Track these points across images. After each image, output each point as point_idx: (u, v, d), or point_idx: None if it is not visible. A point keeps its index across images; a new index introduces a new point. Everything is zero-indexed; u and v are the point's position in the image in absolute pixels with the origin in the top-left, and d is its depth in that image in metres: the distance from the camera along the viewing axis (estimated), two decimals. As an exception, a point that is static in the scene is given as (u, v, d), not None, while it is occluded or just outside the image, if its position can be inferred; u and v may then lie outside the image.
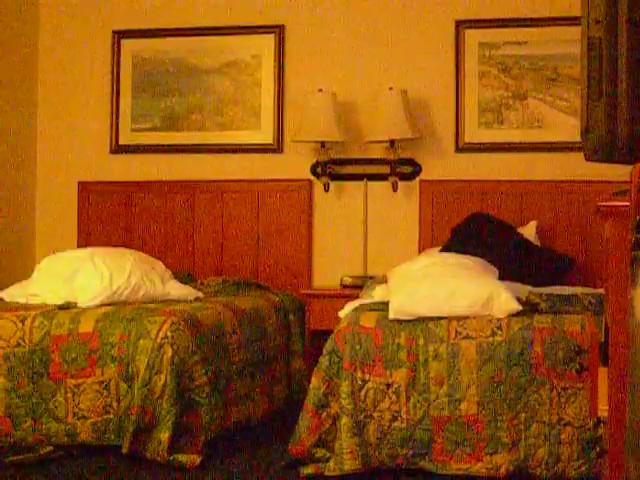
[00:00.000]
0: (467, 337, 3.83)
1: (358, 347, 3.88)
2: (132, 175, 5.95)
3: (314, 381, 3.94)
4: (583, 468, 3.66)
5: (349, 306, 4.31)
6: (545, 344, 3.76)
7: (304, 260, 5.67)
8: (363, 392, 3.84)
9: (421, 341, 3.85)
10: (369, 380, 3.84)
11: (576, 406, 3.69)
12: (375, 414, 3.83)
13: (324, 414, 3.90)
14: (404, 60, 5.64)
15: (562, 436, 3.68)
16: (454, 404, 3.78)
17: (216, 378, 4.28)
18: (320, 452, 3.90)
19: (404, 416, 3.81)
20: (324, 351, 3.96)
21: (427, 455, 3.78)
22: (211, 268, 5.74)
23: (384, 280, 4.54)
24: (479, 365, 3.78)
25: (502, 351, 3.78)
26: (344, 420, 3.80)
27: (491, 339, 3.80)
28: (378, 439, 3.81)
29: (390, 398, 3.83)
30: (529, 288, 4.47)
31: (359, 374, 3.85)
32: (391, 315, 3.92)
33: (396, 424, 3.81)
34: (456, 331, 3.85)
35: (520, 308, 3.94)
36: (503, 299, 3.94)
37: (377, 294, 4.42)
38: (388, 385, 3.84)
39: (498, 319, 3.90)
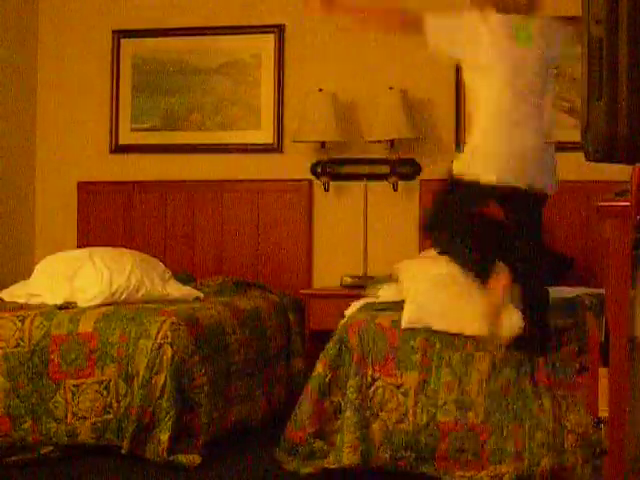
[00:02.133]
0: (482, 349, 3.80)
1: (372, 343, 3.87)
2: (132, 175, 5.95)
3: (319, 367, 3.91)
4: (587, 476, 3.64)
5: (354, 305, 4.31)
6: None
7: (304, 260, 5.67)
8: (372, 389, 3.83)
9: (437, 346, 3.84)
10: (379, 378, 3.83)
11: (577, 413, 3.67)
12: (382, 414, 3.82)
13: (327, 403, 3.89)
14: (404, 60, 5.64)
15: (565, 444, 3.66)
16: (462, 412, 3.76)
17: (216, 378, 4.28)
18: (318, 444, 3.88)
19: (410, 419, 3.80)
20: (334, 338, 3.94)
21: (430, 460, 3.77)
22: (211, 268, 5.73)
23: (391, 279, 4.52)
24: (490, 375, 3.76)
25: (513, 361, 3.76)
26: (348, 414, 3.79)
27: (503, 349, 3.79)
28: (382, 439, 3.80)
29: (398, 399, 3.81)
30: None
31: (369, 371, 3.84)
32: (403, 324, 3.90)
33: (402, 426, 3.80)
34: (472, 341, 3.83)
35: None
36: (514, 321, 3.87)
37: (384, 293, 4.40)
38: (398, 386, 3.83)
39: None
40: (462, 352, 3.80)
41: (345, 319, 4.08)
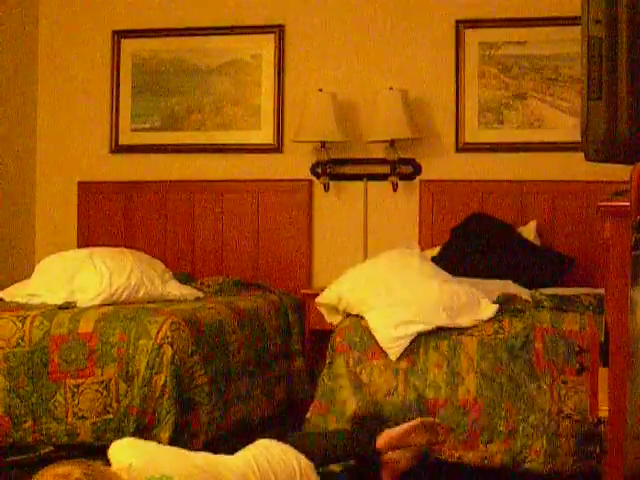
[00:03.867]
0: (470, 335, 3.83)
1: (358, 340, 3.89)
2: (132, 175, 5.95)
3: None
4: (579, 463, 3.63)
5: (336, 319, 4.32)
6: (546, 343, 3.76)
7: (304, 260, 5.67)
8: (359, 368, 3.86)
9: (423, 339, 3.86)
10: (367, 360, 3.87)
11: (576, 399, 3.68)
12: (370, 388, 3.83)
13: None
14: (404, 60, 5.64)
15: (560, 428, 3.66)
16: (451, 387, 3.76)
17: (216, 378, 4.28)
18: None
19: (400, 393, 3.80)
20: (327, 359, 3.98)
21: None
22: (211, 268, 5.73)
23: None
24: (480, 356, 3.78)
25: (503, 347, 3.78)
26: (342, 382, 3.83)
27: (493, 336, 3.81)
28: (370, 411, 3.82)
29: (387, 376, 3.83)
30: (525, 290, 4.44)
31: (356, 354, 3.88)
32: (388, 347, 3.91)
33: (391, 399, 3.80)
34: (458, 331, 3.85)
35: None
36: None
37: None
38: (386, 367, 3.85)
39: (499, 320, 3.90)
40: (449, 339, 3.83)
41: (338, 326, 4.09)
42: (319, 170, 5.66)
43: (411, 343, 3.84)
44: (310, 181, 5.72)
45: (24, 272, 5.45)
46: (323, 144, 5.54)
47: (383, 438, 3.50)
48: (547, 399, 3.69)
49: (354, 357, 3.89)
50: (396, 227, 5.59)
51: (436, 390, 3.78)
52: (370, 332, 3.92)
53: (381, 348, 3.87)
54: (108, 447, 2.73)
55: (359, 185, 5.64)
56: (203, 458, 2.85)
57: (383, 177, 5.57)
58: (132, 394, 4.08)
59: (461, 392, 3.76)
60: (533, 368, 3.73)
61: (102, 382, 4.13)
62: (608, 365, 2.31)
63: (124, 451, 2.73)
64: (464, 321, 3.88)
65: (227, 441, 4.36)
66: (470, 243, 5.00)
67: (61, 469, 2.40)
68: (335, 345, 3.95)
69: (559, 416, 3.68)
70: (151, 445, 2.88)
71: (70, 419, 4.14)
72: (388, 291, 4.03)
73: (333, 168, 5.64)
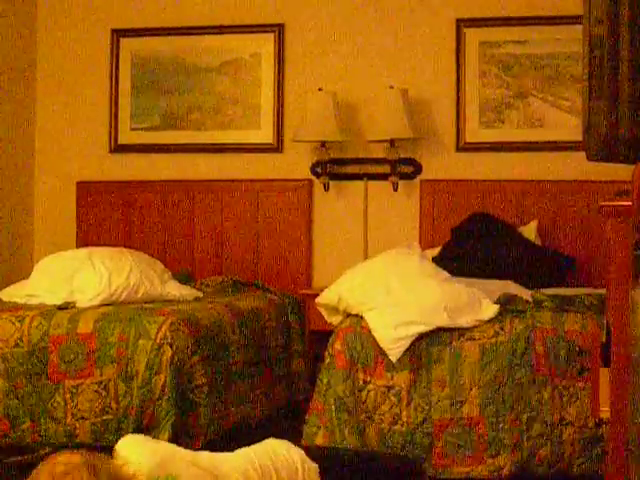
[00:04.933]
0: (470, 339, 3.81)
1: (359, 348, 3.86)
2: (131, 175, 5.94)
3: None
4: (585, 467, 3.65)
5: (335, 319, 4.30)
6: (546, 344, 3.75)
7: (304, 260, 5.66)
8: (364, 393, 3.83)
9: (424, 343, 3.83)
10: (370, 382, 3.82)
11: (577, 405, 3.68)
12: (375, 416, 3.81)
13: None
14: (404, 59, 5.63)
15: (564, 435, 3.67)
16: (456, 406, 3.75)
17: (216, 378, 4.27)
18: None
19: (404, 419, 3.79)
20: (325, 361, 3.95)
21: (427, 459, 3.76)
22: (211, 268, 5.72)
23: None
24: (481, 366, 3.76)
25: (504, 352, 3.76)
26: (346, 417, 3.80)
27: (494, 339, 3.79)
28: (377, 442, 3.79)
29: (391, 401, 3.81)
30: (525, 290, 4.43)
31: (360, 375, 3.84)
32: (386, 346, 3.87)
33: (396, 427, 3.79)
34: (459, 332, 3.84)
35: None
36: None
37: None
38: (389, 388, 3.82)
39: (500, 320, 3.88)
40: (450, 346, 3.80)
41: (337, 327, 4.07)
42: (319, 170, 5.65)
43: (412, 353, 3.81)
44: (310, 181, 5.71)
45: (23, 272, 5.44)
46: (323, 144, 5.53)
47: None
48: (548, 408, 3.69)
49: (357, 379, 3.85)
50: (396, 227, 5.58)
51: (441, 410, 3.76)
52: (371, 336, 3.88)
53: (383, 359, 3.83)
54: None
55: (359, 185, 5.63)
56: (208, 457, 2.85)
57: (383, 177, 5.56)
58: (131, 395, 4.07)
59: (465, 409, 3.74)
60: (534, 376, 3.72)
61: (101, 383, 4.12)
62: (609, 365, 2.30)
63: (135, 448, 2.71)
64: (465, 321, 3.87)
65: (227, 442, 4.35)
66: (471, 243, 4.99)
67: (61, 457, 2.39)
68: (334, 353, 3.90)
69: (561, 424, 3.68)
70: (161, 444, 2.87)
71: (69, 420, 4.13)
72: (388, 291, 4.01)
73: (333, 168, 5.63)
